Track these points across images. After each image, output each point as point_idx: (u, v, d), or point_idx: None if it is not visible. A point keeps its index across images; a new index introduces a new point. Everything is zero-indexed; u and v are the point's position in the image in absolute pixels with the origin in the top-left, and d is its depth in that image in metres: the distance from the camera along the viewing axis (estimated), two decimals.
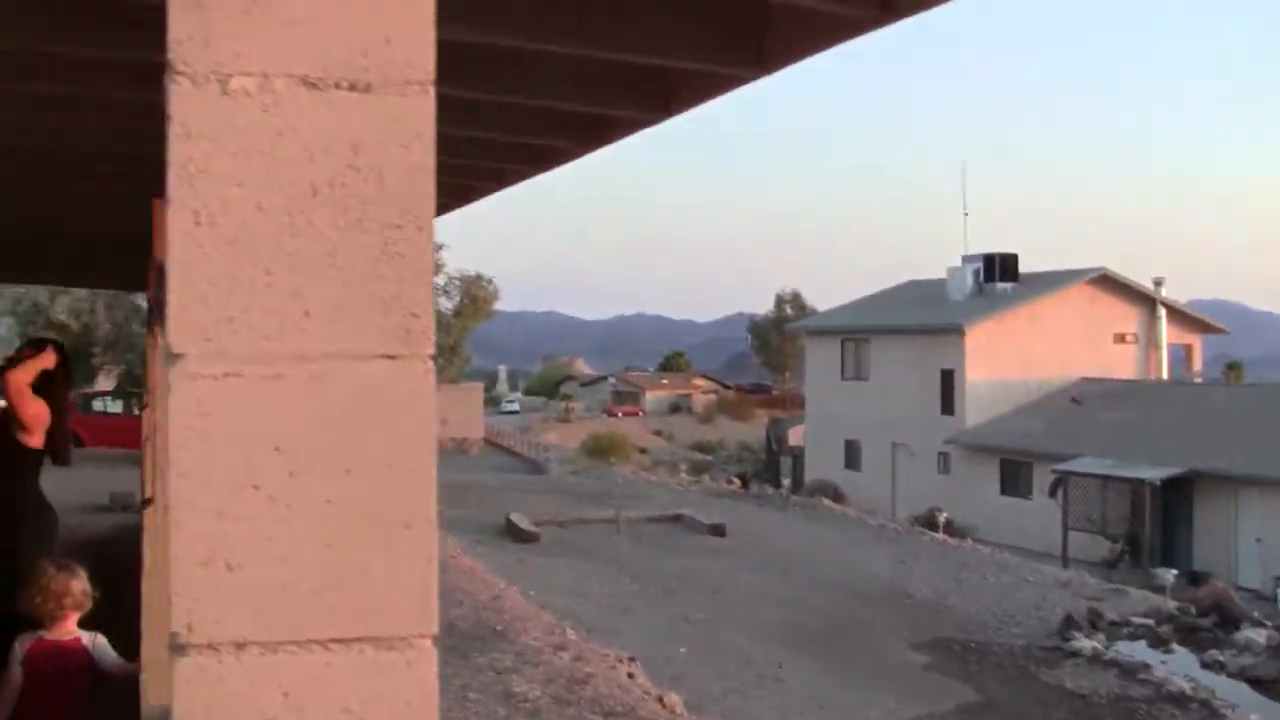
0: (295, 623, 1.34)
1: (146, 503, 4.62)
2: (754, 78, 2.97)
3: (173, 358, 1.30)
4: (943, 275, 47.21)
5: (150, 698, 4.66)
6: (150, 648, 4.61)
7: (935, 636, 17.77)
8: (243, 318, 1.32)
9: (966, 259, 45.87)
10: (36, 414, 7.15)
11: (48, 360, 7.12)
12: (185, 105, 1.31)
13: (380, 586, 1.36)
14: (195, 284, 1.31)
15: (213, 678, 1.32)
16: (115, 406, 34.56)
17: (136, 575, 8.75)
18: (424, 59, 1.37)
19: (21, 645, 5.36)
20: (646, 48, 3.17)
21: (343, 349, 1.34)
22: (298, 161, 1.34)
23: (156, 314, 10.90)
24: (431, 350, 1.37)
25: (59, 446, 7.34)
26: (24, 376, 7.00)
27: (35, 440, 7.21)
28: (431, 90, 1.37)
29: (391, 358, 1.36)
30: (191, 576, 1.31)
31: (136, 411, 37.54)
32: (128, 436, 34.17)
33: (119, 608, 7.11)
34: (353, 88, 1.35)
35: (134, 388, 37.30)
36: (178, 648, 1.31)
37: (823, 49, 2.75)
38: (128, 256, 10.59)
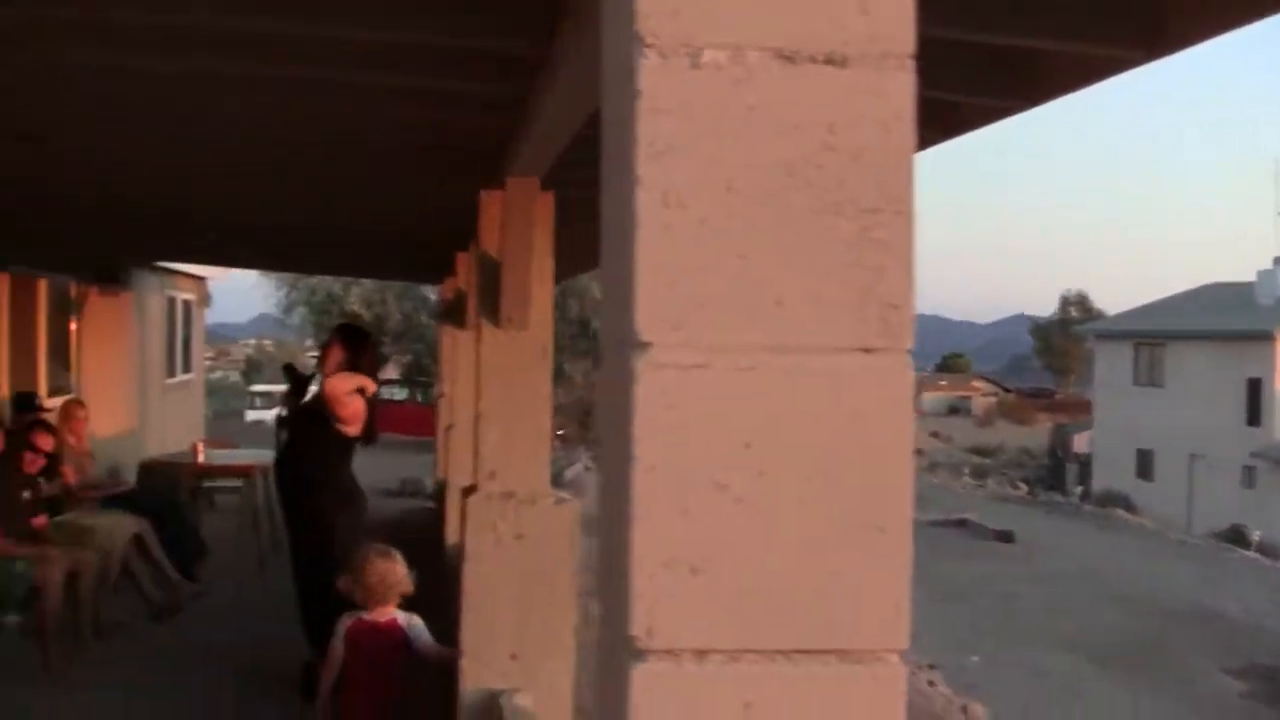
0: (759, 631, 1.25)
1: (470, 490, 4.66)
2: (1143, 61, 2.78)
3: (639, 346, 1.23)
4: (1248, 278, 44.89)
5: (469, 682, 4.70)
6: (471, 635, 4.64)
7: (1252, 662, 16.76)
8: (712, 305, 1.24)
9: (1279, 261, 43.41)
10: (355, 411, 7.39)
11: (362, 381, 7.34)
12: (654, 79, 1.24)
13: (850, 595, 1.27)
14: (663, 269, 1.23)
15: (671, 686, 1.25)
16: (401, 394, 35.78)
17: (430, 558, 8.93)
18: (903, 31, 1.27)
19: (343, 624, 5.53)
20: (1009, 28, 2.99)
21: (816, 341, 1.25)
22: (771, 139, 1.25)
23: (452, 311, 11.21)
24: (911, 344, 1.27)
25: (371, 430, 7.58)
26: (344, 386, 7.25)
27: (353, 430, 7.45)
28: (910, 65, 1.27)
29: (868, 351, 1.26)
30: (653, 578, 1.24)
31: (420, 400, 38.86)
32: (415, 424, 35.35)
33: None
34: (828, 61, 1.26)
35: (420, 377, 38.54)
36: (636, 653, 1.24)
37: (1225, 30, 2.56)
38: (421, 250, 10.86)
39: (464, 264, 8.37)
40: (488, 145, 4.61)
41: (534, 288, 4.55)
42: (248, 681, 7.84)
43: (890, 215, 1.26)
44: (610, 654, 1.31)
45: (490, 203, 4.71)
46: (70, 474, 9.99)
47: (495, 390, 4.58)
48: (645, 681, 1.24)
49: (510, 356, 4.58)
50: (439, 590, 9.02)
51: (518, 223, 4.39)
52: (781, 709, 1.26)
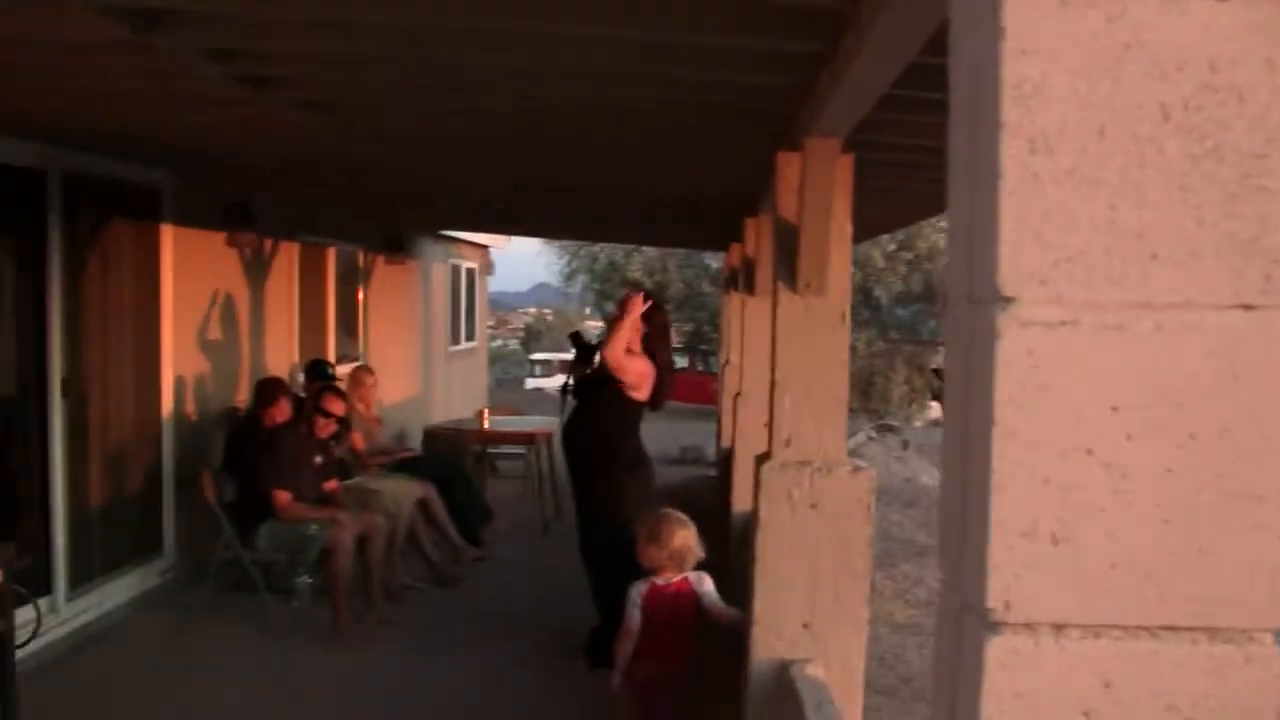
0: (1122, 605, 1.18)
1: (764, 457, 4.62)
2: None
3: (1002, 302, 1.17)
4: None
5: (759, 651, 4.67)
6: (763, 604, 4.61)
7: None
8: (1081, 259, 1.17)
9: None
10: (641, 373, 7.43)
11: (634, 313, 7.35)
12: (1021, 17, 1.17)
13: (1221, 570, 1.18)
14: (1029, 220, 1.17)
15: (1027, 660, 1.19)
16: (681, 362, 36.03)
17: (713, 526, 8.94)
18: None
19: (637, 591, 5.57)
20: None
21: (1191, 297, 1.17)
22: (1146, 80, 1.17)
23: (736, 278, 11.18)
24: None
25: (660, 397, 7.61)
26: (618, 346, 7.28)
27: (640, 394, 7.50)
28: None
29: (1249, 308, 1.17)
30: (1012, 549, 1.18)
31: (700, 368, 39.09)
32: (696, 391, 35.61)
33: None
34: None
35: (701, 345, 38.78)
36: (991, 626, 1.18)
37: None
38: (707, 216, 10.86)
39: (752, 229, 8.32)
40: (788, 106, 4.55)
41: (832, 252, 4.49)
42: (533, 646, 8.00)
43: (1277, 161, 1.16)
44: (958, 626, 1.26)
45: (788, 165, 4.64)
46: (359, 439, 10.37)
47: (792, 356, 4.53)
48: (1000, 656, 1.19)
49: (807, 323, 4.53)
50: (723, 559, 9.05)
51: (817, 185, 4.32)
52: (1143, 689, 1.19)
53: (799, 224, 4.44)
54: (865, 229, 9.79)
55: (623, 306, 7.41)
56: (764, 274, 8.04)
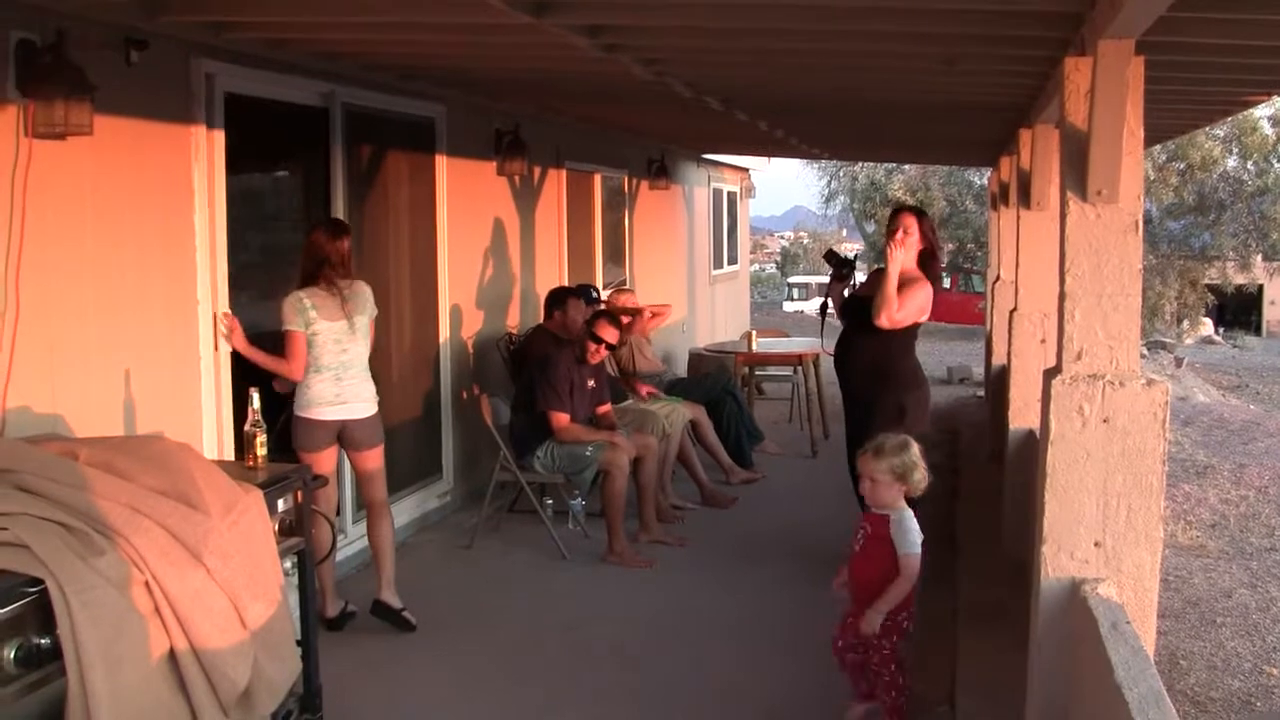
0: None
1: (1053, 372, 4.48)
2: None
3: None
4: None
5: (1049, 570, 4.53)
6: (1052, 522, 4.48)
7: None
8: None
9: None
10: (921, 309, 7.32)
11: (895, 257, 7.21)
12: None
13: None
14: None
15: None
16: (945, 282, 35.45)
17: (982, 447, 8.73)
18: None
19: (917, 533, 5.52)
20: None
21: None
22: None
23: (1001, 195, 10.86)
24: None
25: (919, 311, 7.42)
26: (891, 311, 7.17)
27: (909, 317, 7.38)
28: None
29: None
30: None
31: (962, 287, 38.39)
32: (960, 311, 35.06)
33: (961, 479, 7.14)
34: None
35: (965, 263, 38.05)
36: None
37: None
38: (976, 128, 10.56)
39: (1027, 140, 8.06)
40: (1079, 7, 4.39)
41: (1123, 159, 4.31)
42: (801, 567, 8.01)
43: None
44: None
45: (1077, 70, 4.46)
46: (630, 362, 10.48)
47: (1082, 267, 4.37)
48: None
49: (1098, 232, 4.36)
50: (993, 478, 8.89)
51: (1108, 90, 4.14)
52: None
53: (1089, 130, 4.27)
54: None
55: (885, 254, 7.30)
56: (1042, 184, 7.81)
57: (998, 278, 11.72)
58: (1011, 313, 8.53)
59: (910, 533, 5.43)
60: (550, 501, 8.78)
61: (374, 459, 6.75)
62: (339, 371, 6.49)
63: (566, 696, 5.99)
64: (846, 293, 7.86)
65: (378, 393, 6.75)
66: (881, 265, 7.42)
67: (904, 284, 7.20)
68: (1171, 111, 7.93)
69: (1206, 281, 36.60)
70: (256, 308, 7.11)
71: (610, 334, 8.66)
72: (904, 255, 7.27)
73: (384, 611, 6.80)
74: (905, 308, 7.20)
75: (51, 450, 4.22)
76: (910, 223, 7.34)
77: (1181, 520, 10.41)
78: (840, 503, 8.42)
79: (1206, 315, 39.85)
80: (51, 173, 5.23)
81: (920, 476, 5.54)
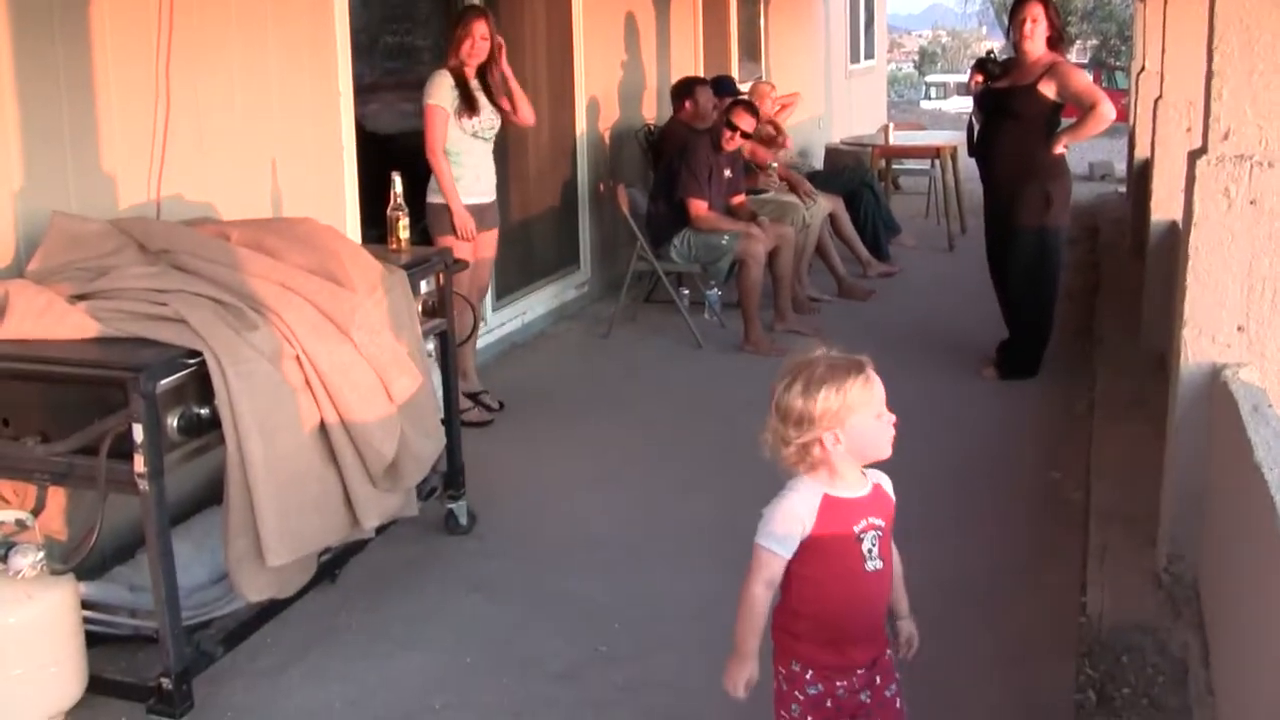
0: None
1: (1198, 153, 4.37)
2: None
3: None
4: None
5: (1190, 355, 4.48)
6: (1194, 306, 4.40)
7: None
8: None
9: None
10: (1086, 90, 7.20)
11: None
12: None
13: None
14: None
15: None
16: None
17: (1120, 243, 8.52)
18: None
19: None
20: None
21: None
22: None
23: None
24: None
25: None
26: (1089, 128, 7.16)
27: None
28: None
29: None
30: None
31: (1104, 83, 37.17)
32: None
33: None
34: None
35: (1109, 58, 36.84)
36: None
37: None
38: None
39: None
40: None
41: None
42: (943, 359, 8.01)
43: None
44: None
45: None
46: (765, 153, 10.40)
47: (1231, 43, 4.22)
48: None
49: (1250, 3, 4.21)
50: (1134, 272, 8.74)
51: None
52: None
53: None
54: None
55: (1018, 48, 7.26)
56: None
57: (1143, 68, 11.36)
58: (1156, 100, 8.30)
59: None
60: (686, 292, 8.83)
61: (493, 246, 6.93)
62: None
63: (705, 477, 6.09)
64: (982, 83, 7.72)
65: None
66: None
67: (1062, 81, 7.20)
68: None
69: None
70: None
71: (747, 122, 8.60)
72: (1032, 46, 7.22)
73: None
74: (1094, 91, 7.26)
75: (205, 232, 4.36)
76: (1038, 10, 7.19)
77: None
78: (976, 296, 8.37)
79: None
80: None
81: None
